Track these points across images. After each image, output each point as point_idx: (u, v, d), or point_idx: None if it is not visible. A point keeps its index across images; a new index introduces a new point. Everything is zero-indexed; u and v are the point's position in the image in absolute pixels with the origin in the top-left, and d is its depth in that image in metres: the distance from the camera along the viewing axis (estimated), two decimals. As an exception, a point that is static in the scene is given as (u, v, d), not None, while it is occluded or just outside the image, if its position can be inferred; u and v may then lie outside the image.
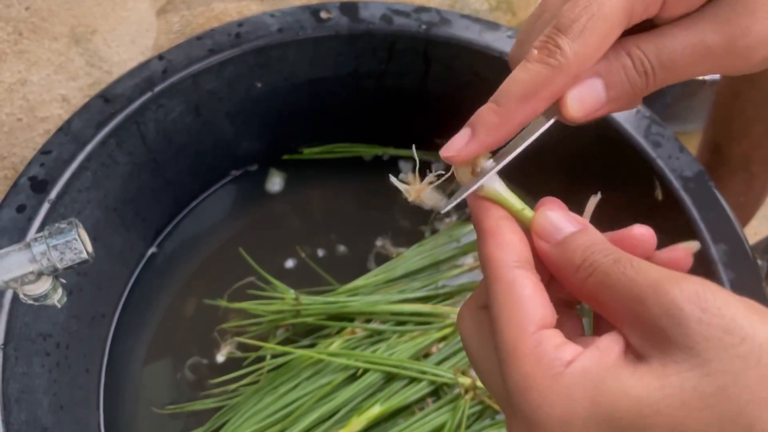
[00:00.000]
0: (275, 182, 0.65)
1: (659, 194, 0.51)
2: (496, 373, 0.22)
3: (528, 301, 0.22)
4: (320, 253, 0.62)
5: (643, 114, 0.52)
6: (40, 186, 0.47)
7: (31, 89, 0.69)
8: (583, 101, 0.24)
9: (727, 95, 0.61)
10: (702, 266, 0.48)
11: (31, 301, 0.37)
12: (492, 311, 0.22)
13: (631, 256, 0.21)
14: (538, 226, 0.24)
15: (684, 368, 0.19)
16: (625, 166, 0.53)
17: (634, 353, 0.20)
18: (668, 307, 0.19)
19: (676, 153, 0.51)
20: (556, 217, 0.24)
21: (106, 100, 0.51)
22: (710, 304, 0.19)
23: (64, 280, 0.38)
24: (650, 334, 0.20)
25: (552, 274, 0.24)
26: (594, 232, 0.24)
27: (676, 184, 0.50)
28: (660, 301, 0.19)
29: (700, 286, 0.19)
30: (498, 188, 0.26)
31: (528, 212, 0.25)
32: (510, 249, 0.23)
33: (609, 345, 0.21)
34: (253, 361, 0.55)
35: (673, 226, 0.50)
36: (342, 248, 0.62)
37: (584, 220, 0.25)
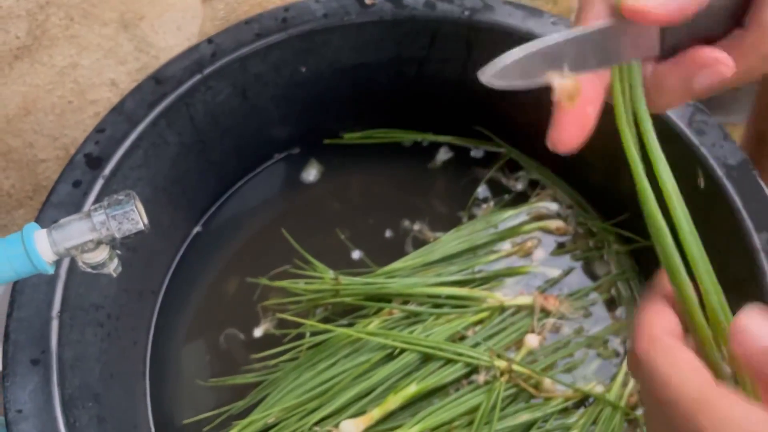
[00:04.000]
0: (311, 173, 0.66)
1: (701, 182, 0.51)
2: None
3: (696, 360, 0.23)
4: (358, 235, 0.63)
5: (686, 102, 0.52)
6: (94, 162, 0.49)
7: (82, 73, 0.72)
8: None
9: (772, 85, 0.60)
10: (745, 255, 0.48)
11: (89, 269, 0.38)
12: (660, 376, 0.23)
13: None
14: (742, 326, 0.23)
15: None
16: (668, 154, 0.53)
17: None
18: None
19: (719, 141, 0.51)
20: (753, 319, 0.23)
21: (158, 81, 0.52)
22: None
23: (119, 251, 0.39)
24: None
25: (759, 379, 0.23)
26: None
27: (719, 172, 0.49)
28: None
29: None
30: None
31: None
32: (667, 319, 0.24)
33: None
34: (293, 338, 0.56)
35: (715, 214, 0.50)
36: (380, 232, 0.63)
37: None
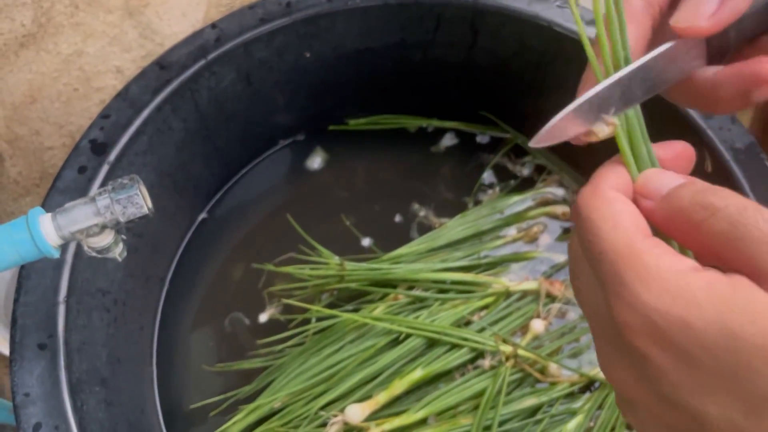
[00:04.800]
0: (315, 160, 0.66)
1: (709, 166, 0.50)
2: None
3: (634, 213, 0.22)
4: (364, 222, 0.63)
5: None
6: (99, 148, 0.49)
7: (87, 60, 0.72)
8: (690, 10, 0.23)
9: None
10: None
11: (94, 254, 0.39)
12: (591, 225, 0.22)
13: (756, 205, 0.20)
14: (640, 185, 0.23)
15: None
16: (674, 137, 0.53)
17: None
18: None
19: (727, 124, 0.50)
20: (658, 173, 0.23)
21: (162, 67, 0.52)
22: None
23: (124, 236, 0.39)
24: None
25: (661, 231, 0.22)
26: (702, 183, 0.22)
27: (727, 155, 0.49)
28: None
29: None
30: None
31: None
32: (619, 176, 0.23)
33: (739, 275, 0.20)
34: (299, 323, 0.56)
35: (722, 198, 0.49)
36: (385, 218, 0.63)
37: (690, 177, 0.22)
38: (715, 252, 0.20)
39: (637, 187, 0.23)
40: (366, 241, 0.61)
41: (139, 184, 0.37)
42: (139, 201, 0.36)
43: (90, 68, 0.72)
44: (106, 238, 0.38)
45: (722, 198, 0.20)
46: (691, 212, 0.21)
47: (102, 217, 0.36)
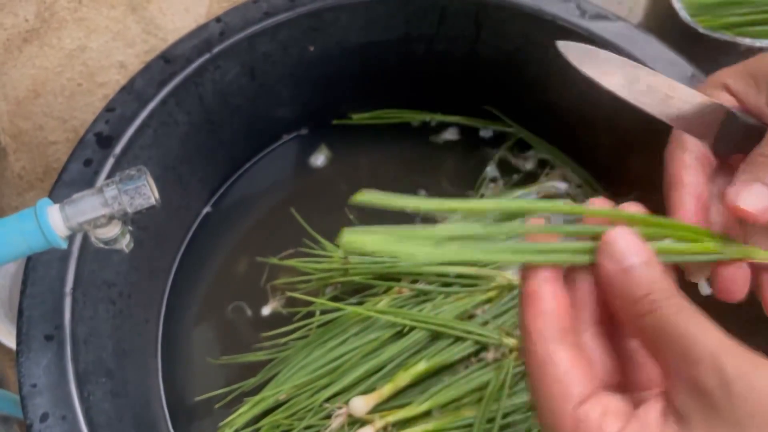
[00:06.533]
0: (319, 158, 0.66)
1: None
2: None
3: (564, 377, 0.23)
4: (368, 216, 0.63)
5: (698, 79, 0.52)
6: (105, 141, 0.49)
7: (91, 55, 0.72)
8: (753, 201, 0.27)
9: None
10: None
11: (101, 245, 0.39)
12: (531, 385, 0.24)
13: (693, 309, 0.22)
14: (608, 245, 0.24)
15: None
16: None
17: (675, 416, 0.21)
18: (722, 379, 0.20)
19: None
20: (627, 242, 0.24)
21: (167, 60, 0.52)
22: (760, 383, 0.20)
23: (131, 228, 0.40)
24: (699, 398, 0.20)
25: (606, 297, 0.24)
26: (658, 267, 0.23)
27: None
28: (716, 372, 0.20)
29: (753, 365, 0.20)
30: None
31: None
32: (547, 318, 0.24)
33: (649, 415, 0.22)
34: (303, 317, 0.56)
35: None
36: (389, 212, 0.63)
37: (650, 251, 0.24)
38: (644, 342, 0.23)
39: (604, 245, 0.24)
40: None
41: (147, 174, 0.37)
42: (146, 192, 0.36)
43: (93, 63, 0.72)
44: (114, 230, 0.38)
45: (659, 301, 0.22)
46: (637, 304, 0.23)
47: (110, 207, 0.36)
